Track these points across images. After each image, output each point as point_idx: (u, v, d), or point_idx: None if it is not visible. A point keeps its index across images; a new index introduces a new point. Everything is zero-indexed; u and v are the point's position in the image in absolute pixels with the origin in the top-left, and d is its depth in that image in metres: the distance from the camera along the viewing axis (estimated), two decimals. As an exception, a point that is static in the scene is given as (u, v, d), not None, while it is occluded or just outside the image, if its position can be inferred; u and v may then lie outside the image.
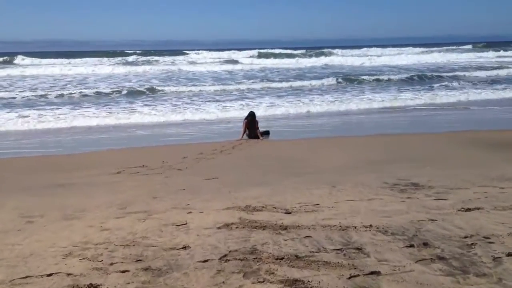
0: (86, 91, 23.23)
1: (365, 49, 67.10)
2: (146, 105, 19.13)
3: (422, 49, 63.78)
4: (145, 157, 9.71)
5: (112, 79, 30.41)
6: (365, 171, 7.30)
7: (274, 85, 26.33)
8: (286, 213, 4.89)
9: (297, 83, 26.88)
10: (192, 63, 43.17)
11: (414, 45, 78.16)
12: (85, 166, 8.86)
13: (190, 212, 5.04)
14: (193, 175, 7.56)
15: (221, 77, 31.75)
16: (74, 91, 23.17)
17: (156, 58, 48.32)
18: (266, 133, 12.31)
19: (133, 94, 22.53)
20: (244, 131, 11.97)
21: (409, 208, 4.89)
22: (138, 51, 63.83)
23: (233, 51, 59.75)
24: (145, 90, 23.46)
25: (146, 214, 5.03)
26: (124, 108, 18.32)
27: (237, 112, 16.75)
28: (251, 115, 12.11)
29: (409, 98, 19.86)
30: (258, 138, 11.86)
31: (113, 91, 23.06)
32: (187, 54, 56.62)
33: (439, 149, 9.59)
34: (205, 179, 7.12)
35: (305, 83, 27.21)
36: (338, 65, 40.18)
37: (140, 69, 36.78)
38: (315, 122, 14.83)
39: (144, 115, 16.62)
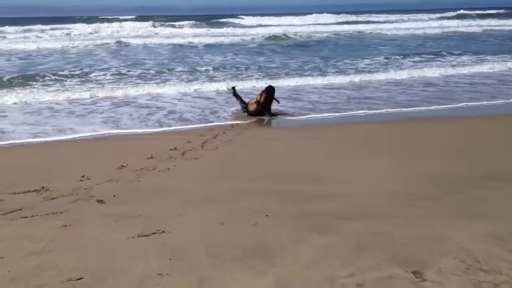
0: None
1: (284, 17, 60.05)
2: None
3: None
4: (61, 163, 6.27)
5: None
6: (447, 212, 3.95)
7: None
8: None
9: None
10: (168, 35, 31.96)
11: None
12: None
13: None
14: (119, 218, 4.10)
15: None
16: None
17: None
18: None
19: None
20: (256, 102, 9.10)
21: None
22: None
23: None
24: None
25: None
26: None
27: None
28: (270, 90, 9.24)
29: None
30: (263, 115, 9.05)
31: None
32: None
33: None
34: (138, 235, 3.68)
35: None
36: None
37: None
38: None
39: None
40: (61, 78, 13.97)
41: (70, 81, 13.62)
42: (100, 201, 4.65)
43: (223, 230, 3.72)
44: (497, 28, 35.48)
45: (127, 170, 5.81)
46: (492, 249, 3.14)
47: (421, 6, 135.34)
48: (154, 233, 3.69)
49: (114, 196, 4.80)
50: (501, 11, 66.24)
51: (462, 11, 65.68)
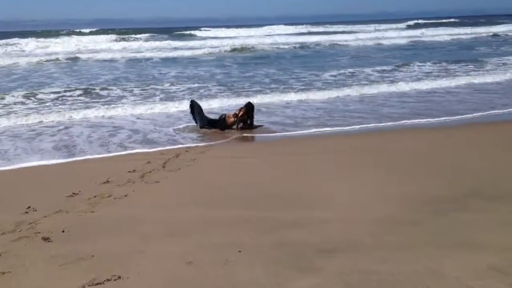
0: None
1: (254, 28, 60.66)
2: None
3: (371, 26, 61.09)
4: (5, 192, 5.66)
5: None
6: (436, 240, 3.63)
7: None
8: None
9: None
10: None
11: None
12: None
13: None
14: (68, 261, 3.56)
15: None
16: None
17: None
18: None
19: None
20: (234, 115, 9.05)
21: None
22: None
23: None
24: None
25: None
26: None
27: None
28: (249, 106, 9.18)
29: None
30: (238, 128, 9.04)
31: None
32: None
33: (497, 159, 6.14)
34: (89, 283, 3.16)
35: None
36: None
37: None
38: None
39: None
40: (3, 97, 12.76)
41: (14, 100, 12.58)
42: (46, 239, 4.09)
43: (191, 272, 3.25)
44: (448, 37, 36.44)
45: (79, 199, 5.25)
46: (496, 286, 2.81)
47: (375, 17, 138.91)
48: (109, 279, 3.18)
49: (63, 231, 4.24)
50: (453, 20, 69.15)
51: (417, 21, 67.93)
